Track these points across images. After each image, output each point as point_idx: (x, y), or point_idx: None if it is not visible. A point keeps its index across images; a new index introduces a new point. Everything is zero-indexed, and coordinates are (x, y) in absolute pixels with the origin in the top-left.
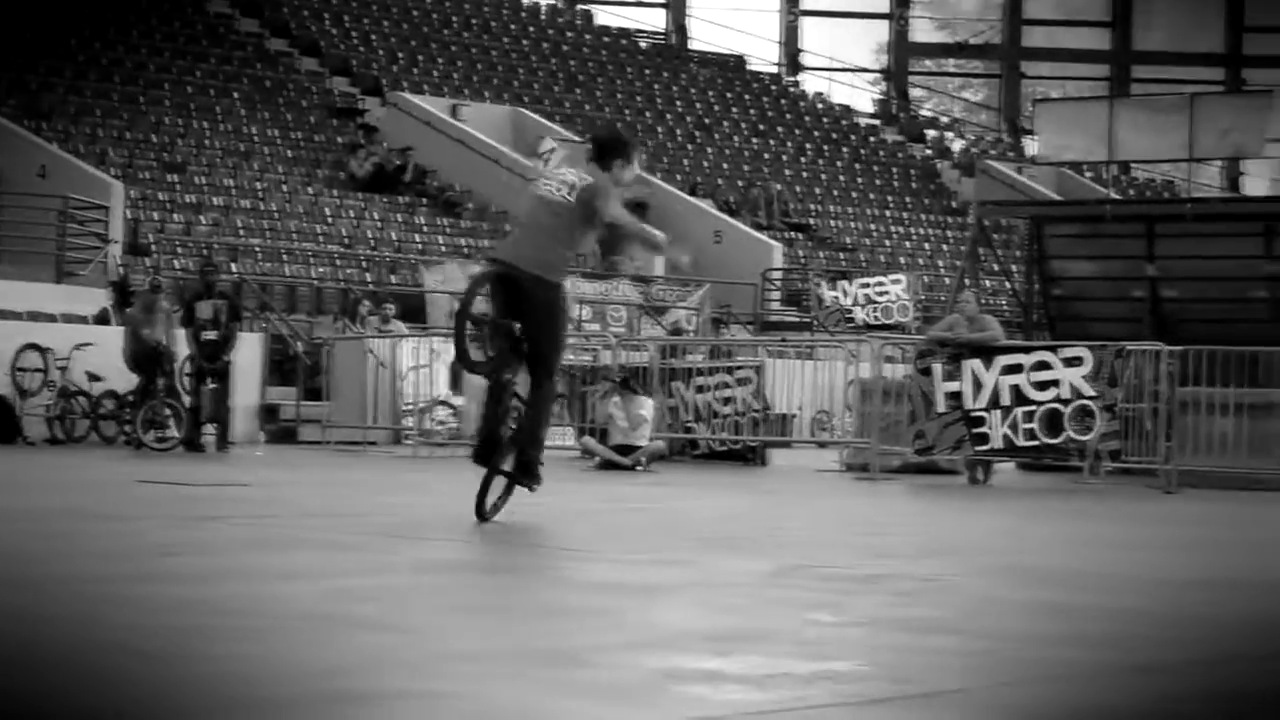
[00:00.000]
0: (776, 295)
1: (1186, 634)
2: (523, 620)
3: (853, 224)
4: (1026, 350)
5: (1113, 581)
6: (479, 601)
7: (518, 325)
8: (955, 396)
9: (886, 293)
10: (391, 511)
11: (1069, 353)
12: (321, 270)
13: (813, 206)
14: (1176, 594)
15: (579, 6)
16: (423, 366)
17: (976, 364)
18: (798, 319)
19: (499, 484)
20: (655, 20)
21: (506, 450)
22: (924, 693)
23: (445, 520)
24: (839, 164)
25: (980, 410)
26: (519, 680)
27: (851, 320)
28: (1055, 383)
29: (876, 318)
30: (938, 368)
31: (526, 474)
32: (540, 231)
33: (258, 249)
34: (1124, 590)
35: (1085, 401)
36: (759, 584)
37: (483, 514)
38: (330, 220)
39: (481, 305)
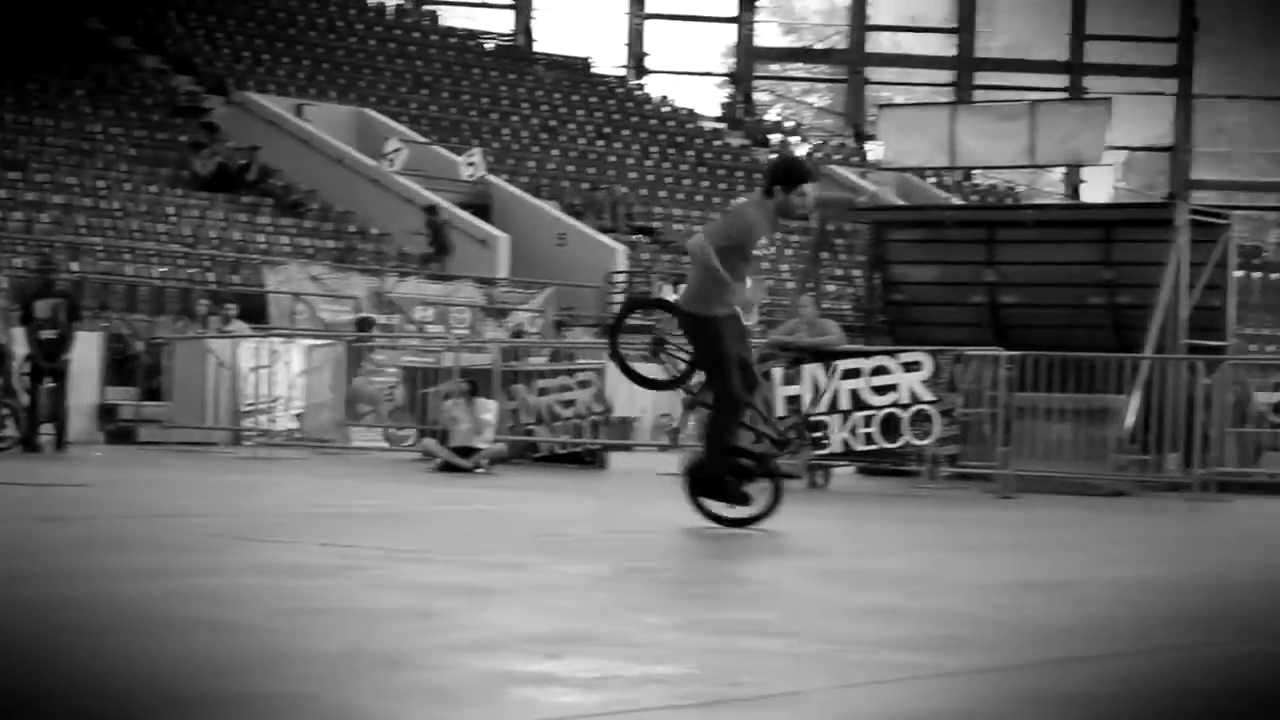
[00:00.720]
0: (620, 298)
1: (1013, 637)
2: (356, 622)
3: (697, 227)
4: (866, 355)
5: (943, 585)
6: (314, 603)
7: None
8: (795, 400)
9: None
10: (230, 512)
11: (907, 358)
12: (163, 270)
13: (657, 209)
14: (1004, 597)
15: (425, 7)
16: (263, 367)
17: (816, 368)
18: (641, 322)
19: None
20: (501, 22)
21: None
22: (753, 696)
23: (283, 521)
24: (683, 167)
25: (820, 414)
26: (350, 682)
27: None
28: (894, 387)
29: None
30: (777, 372)
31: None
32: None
33: (99, 248)
34: (953, 593)
35: (923, 406)
36: (592, 587)
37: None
38: (172, 219)
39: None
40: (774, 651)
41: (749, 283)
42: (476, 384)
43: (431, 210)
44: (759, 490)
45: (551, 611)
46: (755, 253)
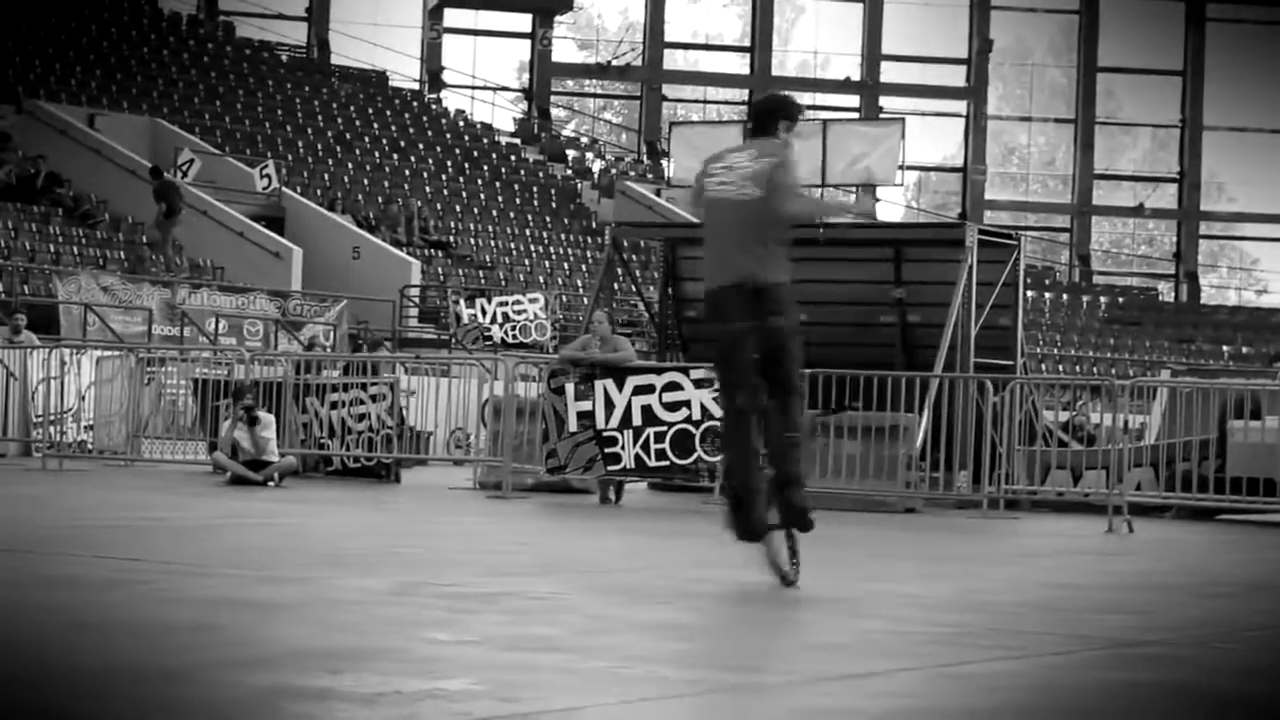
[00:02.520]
0: (414, 312)
1: (788, 654)
2: (134, 637)
3: (492, 242)
4: (658, 371)
5: (721, 601)
6: (90, 618)
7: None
8: (588, 416)
9: (524, 311)
10: (10, 524)
11: (699, 374)
12: None
13: (452, 224)
14: (781, 612)
15: (220, 18)
16: (54, 378)
17: (609, 384)
18: (435, 336)
19: (778, 539)
20: (297, 34)
21: (768, 500)
22: (533, 711)
23: (64, 533)
24: (479, 182)
25: (612, 430)
26: (121, 698)
27: (489, 338)
28: (686, 403)
29: (514, 336)
30: (570, 387)
31: (802, 520)
32: (745, 237)
33: None
34: (730, 609)
35: (716, 423)
36: (376, 601)
37: (787, 578)
38: None
39: None
40: (555, 667)
41: None
42: (252, 406)
43: (156, 172)
44: None
45: (333, 626)
46: None
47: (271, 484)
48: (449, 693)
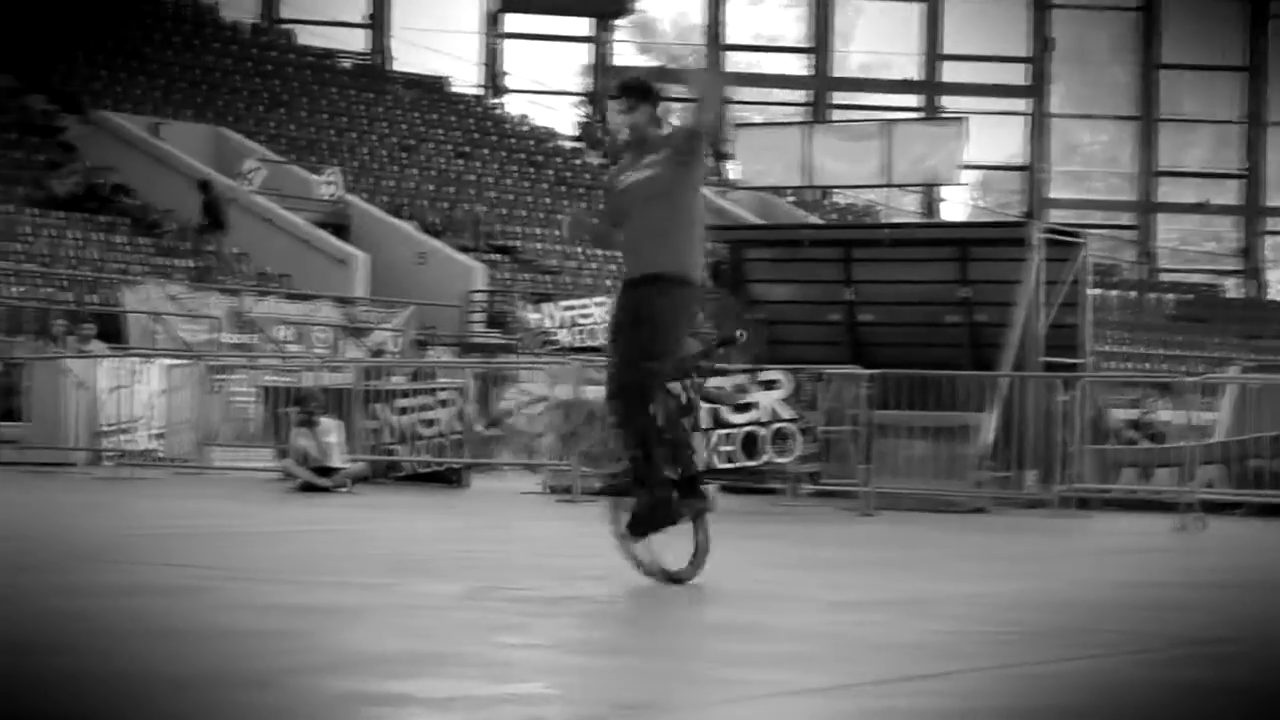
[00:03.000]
0: (480, 317)
1: (863, 654)
2: (209, 644)
3: (556, 246)
4: (725, 373)
5: (797, 602)
6: (165, 625)
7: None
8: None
9: (589, 315)
10: (83, 534)
11: (766, 376)
12: (20, 289)
13: (517, 228)
14: (856, 614)
15: (281, 26)
16: (122, 387)
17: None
18: (501, 341)
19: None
20: (358, 41)
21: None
22: (606, 714)
23: (137, 542)
24: (542, 186)
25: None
26: (202, 704)
27: (555, 342)
28: (753, 405)
29: (581, 340)
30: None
31: (633, 522)
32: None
33: None
34: (807, 610)
35: (784, 424)
36: (448, 606)
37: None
38: (29, 239)
39: None
40: (627, 669)
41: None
42: (313, 411)
43: (205, 186)
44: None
45: (407, 632)
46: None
47: (341, 490)
48: (522, 697)
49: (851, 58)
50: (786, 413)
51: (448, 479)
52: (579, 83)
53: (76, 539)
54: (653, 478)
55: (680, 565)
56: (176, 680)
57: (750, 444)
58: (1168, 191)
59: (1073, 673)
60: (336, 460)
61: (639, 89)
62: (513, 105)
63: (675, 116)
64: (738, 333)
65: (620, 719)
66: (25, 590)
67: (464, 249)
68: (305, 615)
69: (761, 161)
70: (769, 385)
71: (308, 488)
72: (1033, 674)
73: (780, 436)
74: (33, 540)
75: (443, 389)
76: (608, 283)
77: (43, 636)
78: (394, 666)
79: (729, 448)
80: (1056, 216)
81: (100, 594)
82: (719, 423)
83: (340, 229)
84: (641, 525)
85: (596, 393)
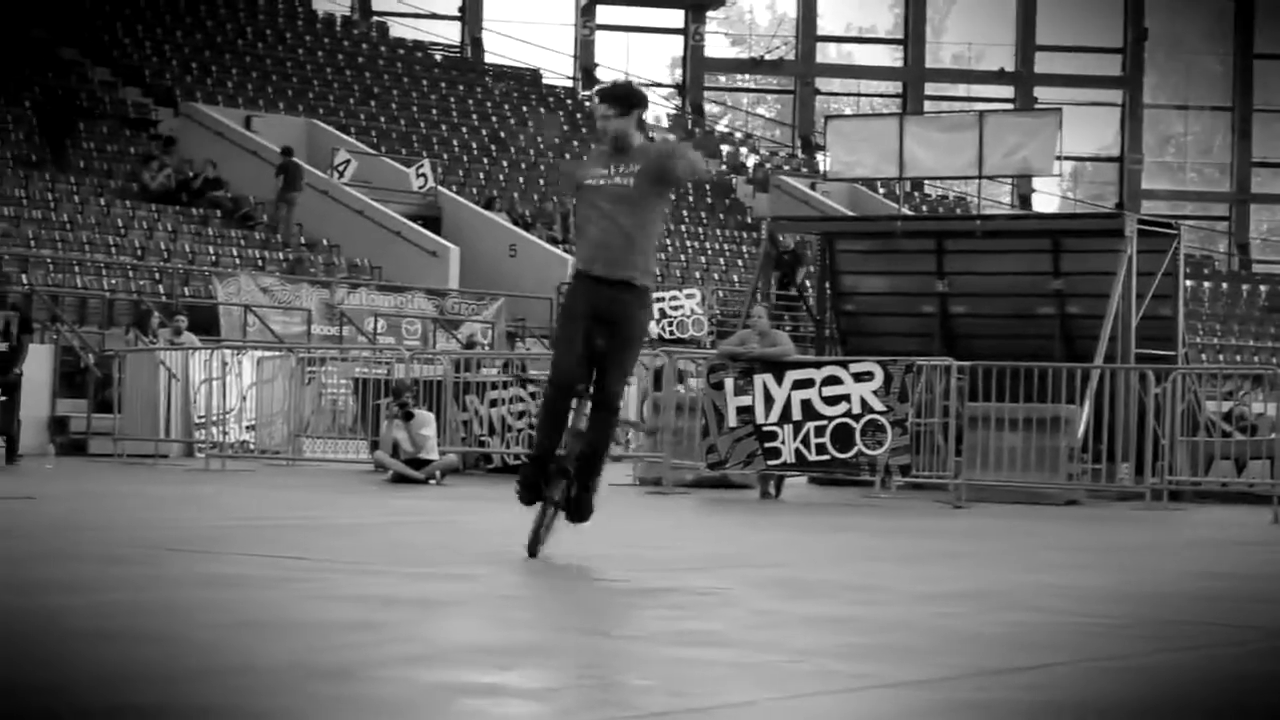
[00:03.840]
0: None
1: (957, 646)
2: (301, 634)
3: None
4: (817, 365)
5: (890, 595)
6: (257, 615)
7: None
8: (747, 411)
9: (681, 307)
10: (175, 525)
11: (859, 368)
12: (113, 282)
13: None
14: (949, 606)
15: (373, 18)
16: (215, 379)
17: (768, 379)
18: None
19: (550, 515)
20: (450, 33)
21: (557, 478)
22: (703, 706)
23: (229, 533)
24: None
25: (772, 425)
26: (295, 695)
27: (647, 335)
28: (846, 397)
29: (671, 332)
30: (729, 382)
31: (579, 510)
32: (614, 228)
33: (49, 259)
34: (900, 603)
35: (875, 416)
36: (542, 597)
37: (535, 550)
38: (123, 231)
39: None
40: (724, 662)
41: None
42: (408, 403)
43: (286, 151)
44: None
45: (502, 623)
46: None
47: (433, 482)
48: (620, 687)
49: (944, 49)
50: (878, 404)
51: None
52: (671, 74)
53: (167, 530)
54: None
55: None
56: (265, 670)
57: (842, 436)
58: (1262, 182)
59: (1167, 665)
60: (431, 452)
61: (625, 98)
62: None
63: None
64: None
65: (714, 711)
66: (114, 581)
67: (555, 241)
68: (395, 606)
69: (854, 153)
70: (861, 377)
71: (400, 479)
72: (1125, 667)
73: (872, 428)
74: (123, 531)
75: (534, 380)
76: (698, 275)
77: (131, 627)
78: (489, 657)
79: (821, 440)
80: (1149, 208)
81: (189, 585)
82: (811, 414)
83: (432, 221)
84: (583, 513)
85: (687, 386)
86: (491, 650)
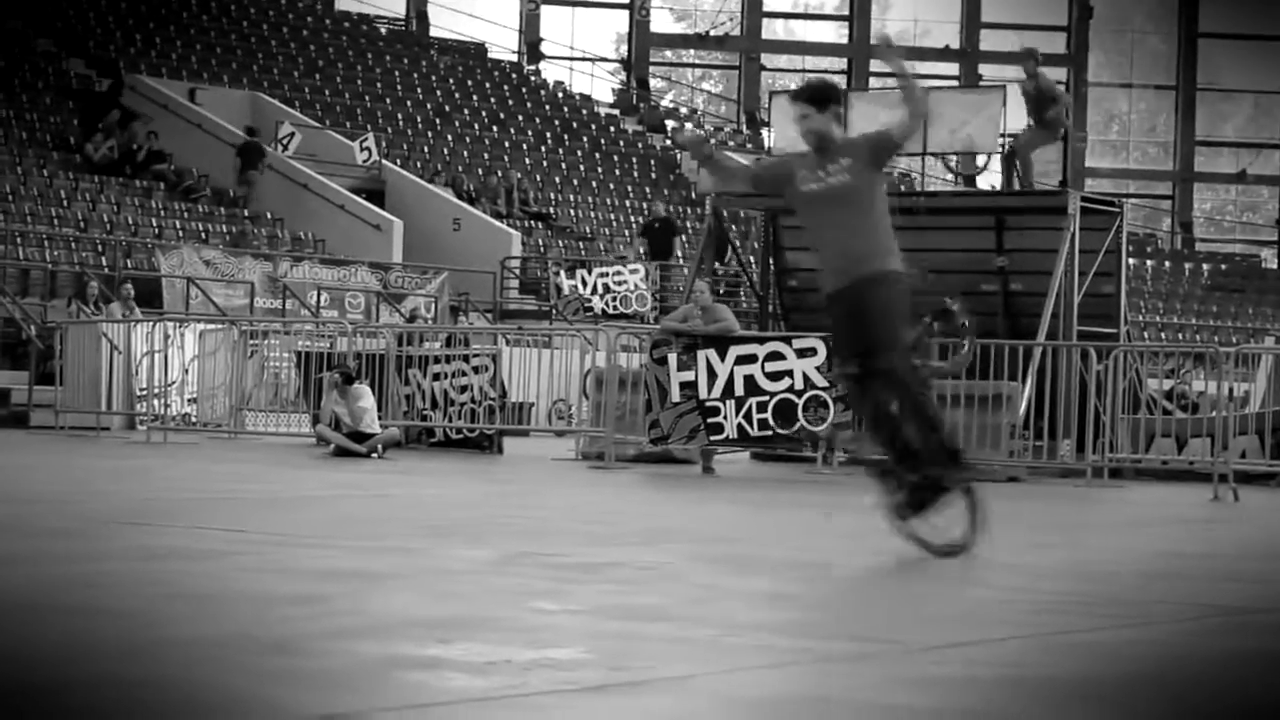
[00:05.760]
0: (515, 284)
1: (896, 621)
2: (239, 607)
3: (592, 213)
4: (760, 341)
5: (830, 570)
6: (196, 588)
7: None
8: (690, 386)
9: (625, 282)
10: (115, 498)
11: (802, 344)
12: (56, 253)
13: (552, 195)
14: (890, 582)
15: None
16: (157, 351)
17: (711, 354)
18: (536, 307)
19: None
20: (396, 6)
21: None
22: (642, 679)
23: (169, 506)
24: (579, 153)
25: (715, 400)
26: (232, 668)
27: (590, 309)
28: (789, 373)
29: (615, 307)
30: (672, 357)
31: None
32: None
33: None
34: (838, 579)
35: (818, 392)
36: (483, 571)
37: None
38: (65, 203)
39: None
40: (664, 636)
41: None
42: (350, 372)
43: (250, 131)
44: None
45: (442, 596)
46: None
47: (375, 455)
48: (558, 661)
49: (891, 26)
50: (821, 380)
51: (481, 445)
52: (616, 50)
53: (107, 503)
54: (913, 459)
55: (957, 536)
56: (200, 642)
57: (785, 411)
58: (1206, 161)
59: (1118, 641)
60: (370, 426)
61: (821, 94)
62: (550, 72)
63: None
64: (947, 301)
65: (652, 684)
66: (53, 554)
67: (499, 215)
68: (339, 579)
69: (796, 129)
70: (804, 353)
71: (341, 453)
72: (1076, 642)
73: (814, 404)
74: (63, 504)
75: (476, 355)
76: (641, 250)
77: (67, 600)
78: (430, 630)
79: (763, 415)
80: (1094, 186)
81: (127, 557)
82: (754, 390)
83: (376, 195)
84: (913, 506)
85: (630, 360)
86: (432, 624)
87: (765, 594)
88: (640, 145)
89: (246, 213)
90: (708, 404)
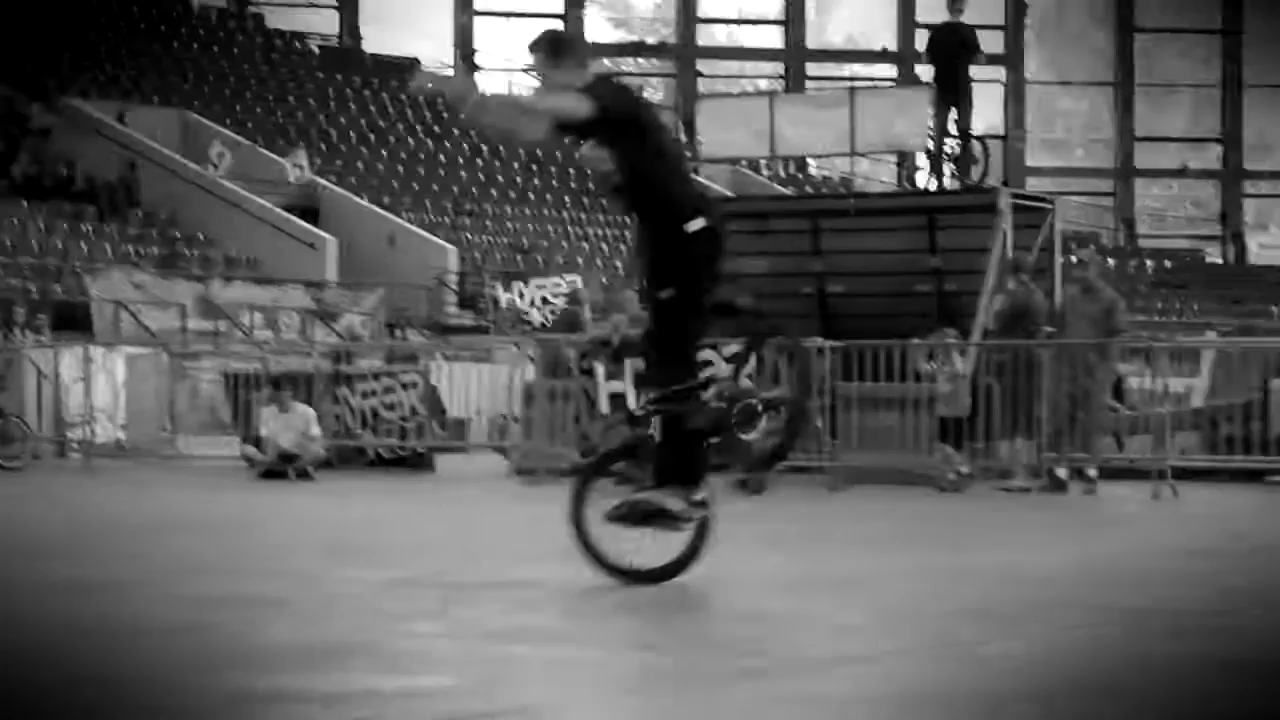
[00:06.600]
0: (453, 298)
1: (805, 636)
2: (124, 640)
3: (529, 225)
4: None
5: (739, 583)
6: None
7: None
8: (619, 397)
9: (562, 293)
10: (34, 528)
11: (730, 350)
12: None
13: (489, 208)
14: (798, 595)
15: (250, 9)
16: (82, 379)
17: (638, 364)
18: (474, 322)
19: None
20: (328, 25)
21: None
22: (503, 709)
23: (84, 536)
24: (515, 165)
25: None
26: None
27: (528, 322)
28: (718, 380)
29: (552, 318)
30: (600, 369)
31: None
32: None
33: None
34: (753, 592)
35: (749, 401)
36: (372, 594)
37: None
38: None
39: None
40: (542, 659)
41: None
42: (278, 382)
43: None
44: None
45: (320, 622)
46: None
47: (299, 477)
48: (422, 690)
49: (830, 30)
50: (750, 387)
51: (414, 463)
52: None
53: (23, 533)
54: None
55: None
56: (71, 680)
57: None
58: (1147, 157)
59: (1022, 655)
60: (307, 445)
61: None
62: (484, 84)
63: None
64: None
65: (518, 713)
66: None
67: (430, 225)
68: (228, 607)
69: (726, 132)
70: (732, 359)
71: (270, 474)
72: (982, 655)
73: (745, 412)
74: None
75: (405, 372)
76: (579, 260)
77: None
78: (297, 659)
79: None
80: (1035, 184)
81: (32, 590)
82: None
83: (310, 213)
84: (632, 518)
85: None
86: (303, 652)
87: (666, 609)
88: (577, 155)
89: (178, 233)
90: (636, 415)
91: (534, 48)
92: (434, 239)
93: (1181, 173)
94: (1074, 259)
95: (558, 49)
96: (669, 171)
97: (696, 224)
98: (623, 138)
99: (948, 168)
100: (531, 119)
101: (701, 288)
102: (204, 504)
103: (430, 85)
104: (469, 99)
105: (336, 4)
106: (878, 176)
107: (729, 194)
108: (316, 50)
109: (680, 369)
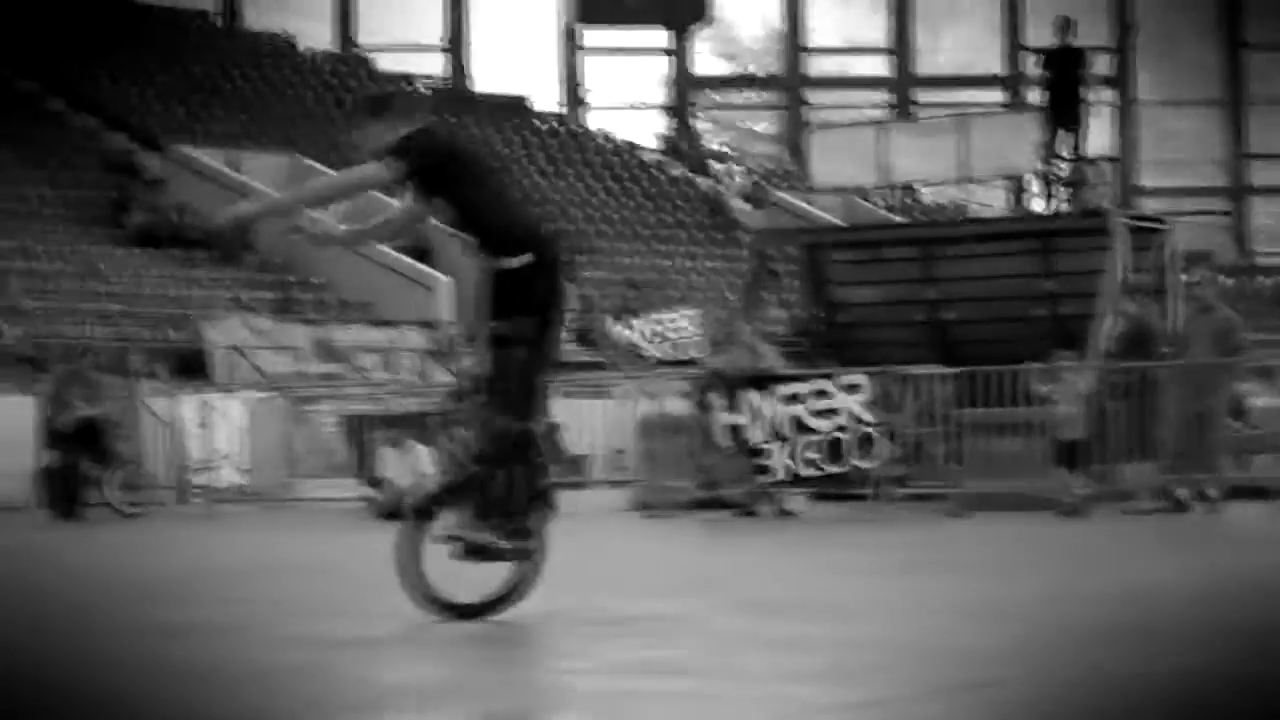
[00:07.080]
0: (568, 335)
1: (929, 663)
2: (241, 685)
3: (641, 260)
4: (805, 379)
5: (871, 610)
6: (209, 664)
7: None
8: (736, 429)
9: (679, 328)
10: (154, 573)
11: (848, 380)
12: (104, 330)
13: (602, 244)
14: (928, 621)
15: (356, 53)
16: (203, 425)
17: (755, 395)
18: (590, 358)
19: None
20: (436, 65)
21: None
22: None
23: (203, 579)
24: (627, 200)
25: (761, 442)
26: None
27: (644, 357)
28: (835, 411)
29: (670, 353)
30: (717, 401)
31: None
32: None
33: (37, 311)
34: (880, 620)
35: (866, 429)
36: (495, 631)
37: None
38: (110, 278)
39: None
40: (677, 692)
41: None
42: (401, 437)
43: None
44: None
45: (447, 661)
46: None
47: None
48: None
49: (940, 56)
50: (868, 416)
51: None
52: (661, 95)
53: (144, 579)
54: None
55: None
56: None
57: (834, 450)
58: (1261, 175)
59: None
60: (429, 485)
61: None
62: (595, 121)
63: None
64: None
65: None
66: (76, 632)
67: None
68: (344, 649)
69: (834, 162)
70: (850, 389)
71: (391, 515)
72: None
73: (865, 441)
74: (103, 581)
75: None
76: (695, 294)
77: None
78: (420, 698)
79: (814, 455)
80: (1150, 205)
81: (150, 634)
82: (802, 429)
83: (423, 253)
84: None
85: (681, 406)
86: (415, 691)
87: (790, 639)
88: (689, 189)
89: (291, 277)
90: (754, 446)
91: (354, 109)
92: None
93: None
94: (1190, 279)
95: (377, 108)
96: (489, 208)
97: (520, 260)
98: (442, 184)
99: (1060, 191)
100: (344, 196)
101: (531, 323)
102: (322, 546)
103: (238, 213)
104: (286, 207)
105: (445, 46)
106: (989, 202)
107: (839, 223)
108: (427, 92)
109: (517, 405)
